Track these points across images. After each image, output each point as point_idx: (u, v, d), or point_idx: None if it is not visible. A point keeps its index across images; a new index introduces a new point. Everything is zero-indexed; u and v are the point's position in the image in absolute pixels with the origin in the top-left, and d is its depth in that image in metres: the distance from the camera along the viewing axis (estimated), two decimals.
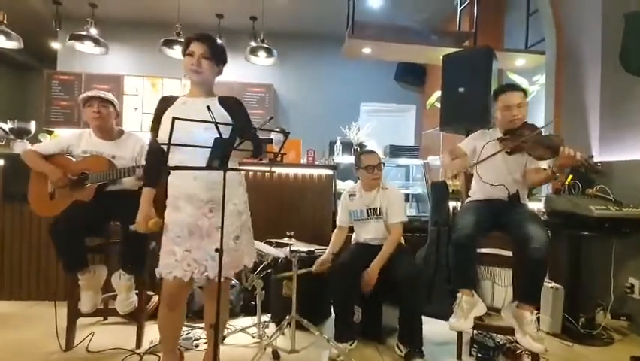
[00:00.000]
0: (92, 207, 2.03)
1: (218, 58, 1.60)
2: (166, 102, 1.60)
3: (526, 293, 1.84)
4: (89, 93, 2.14)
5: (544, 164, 1.92)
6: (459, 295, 1.92)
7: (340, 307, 2.19)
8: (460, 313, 1.89)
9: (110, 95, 2.17)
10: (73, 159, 2.14)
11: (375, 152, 2.40)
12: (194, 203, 1.51)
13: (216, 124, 1.29)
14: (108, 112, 2.13)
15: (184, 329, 2.20)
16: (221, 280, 1.44)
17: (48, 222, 1.99)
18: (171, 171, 1.53)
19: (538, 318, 1.84)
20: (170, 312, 1.60)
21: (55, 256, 2.68)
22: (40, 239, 2.75)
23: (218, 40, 1.64)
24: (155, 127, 1.58)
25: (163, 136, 1.49)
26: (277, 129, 2.02)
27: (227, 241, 1.51)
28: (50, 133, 4.30)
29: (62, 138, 2.21)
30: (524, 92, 2.07)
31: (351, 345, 2.14)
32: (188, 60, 1.55)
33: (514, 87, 2.13)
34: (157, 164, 1.57)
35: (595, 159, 2.90)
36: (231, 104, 1.62)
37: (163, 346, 1.70)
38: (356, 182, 2.52)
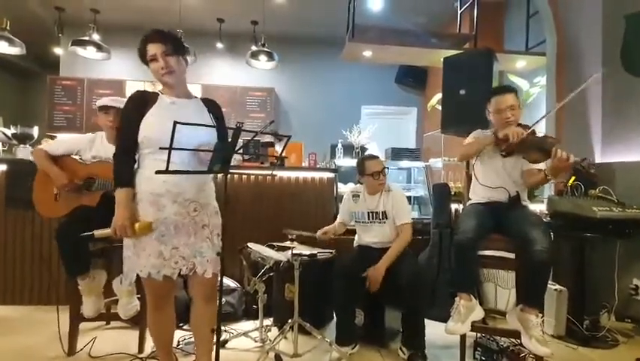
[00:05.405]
0: (97, 211, 2.02)
1: (180, 50, 1.52)
2: (144, 98, 1.50)
3: (531, 296, 1.83)
4: (107, 102, 2.14)
5: (541, 165, 1.91)
6: (457, 299, 1.91)
7: (342, 311, 2.18)
8: (457, 317, 1.87)
9: None
10: (82, 162, 2.13)
11: (378, 157, 2.39)
12: (178, 201, 1.48)
13: (218, 127, 1.30)
14: None
15: (185, 333, 2.20)
16: (210, 276, 1.51)
17: (52, 227, 1.99)
18: (150, 169, 1.43)
19: (542, 321, 1.82)
20: (158, 312, 1.60)
21: (57, 260, 2.71)
22: (42, 244, 2.75)
23: (169, 31, 1.54)
24: (130, 121, 1.47)
25: (147, 134, 1.44)
26: (276, 133, 2.03)
27: (212, 238, 1.54)
28: (53, 138, 4.32)
29: (74, 140, 2.19)
30: (516, 92, 2.05)
31: (353, 349, 2.13)
32: (156, 65, 1.48)
33: (505, 89, 2.08)
34: (129, 161, 1.49)
35: (597, 160, 2.91)
36: (213, 108, 1.62)
37: (157, 350, 1.69)
38: (357, 184, 2.52)
